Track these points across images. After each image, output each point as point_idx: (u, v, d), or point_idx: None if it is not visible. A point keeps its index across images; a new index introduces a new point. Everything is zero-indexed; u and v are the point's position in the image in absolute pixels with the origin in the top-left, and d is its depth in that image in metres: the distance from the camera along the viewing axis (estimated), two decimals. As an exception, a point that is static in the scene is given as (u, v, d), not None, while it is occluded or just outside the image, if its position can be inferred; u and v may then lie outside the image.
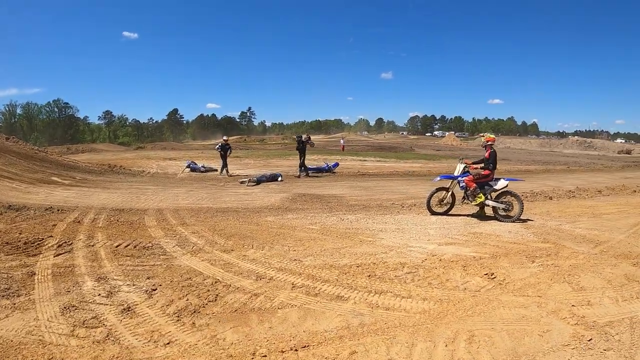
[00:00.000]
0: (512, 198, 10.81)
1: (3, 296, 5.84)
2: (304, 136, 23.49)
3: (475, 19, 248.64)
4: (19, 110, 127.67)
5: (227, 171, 22.82)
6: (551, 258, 7.40)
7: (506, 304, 5.40)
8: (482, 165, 11.19)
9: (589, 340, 4.51)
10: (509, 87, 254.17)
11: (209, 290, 6.02)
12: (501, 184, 10.89)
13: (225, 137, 24.70)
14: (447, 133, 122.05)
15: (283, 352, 4.31)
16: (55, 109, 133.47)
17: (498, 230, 9.50)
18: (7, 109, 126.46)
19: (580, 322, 4.87)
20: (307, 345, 4.40)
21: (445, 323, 4.84)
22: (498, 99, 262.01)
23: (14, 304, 5.60)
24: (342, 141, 61.44)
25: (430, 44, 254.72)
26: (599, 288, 5.98)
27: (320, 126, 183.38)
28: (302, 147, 22.48)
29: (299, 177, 21.39)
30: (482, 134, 11.89)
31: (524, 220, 10.57)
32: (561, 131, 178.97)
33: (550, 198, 14.71)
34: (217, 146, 23.71)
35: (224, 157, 22.98)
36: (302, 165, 22.46)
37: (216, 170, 25.04)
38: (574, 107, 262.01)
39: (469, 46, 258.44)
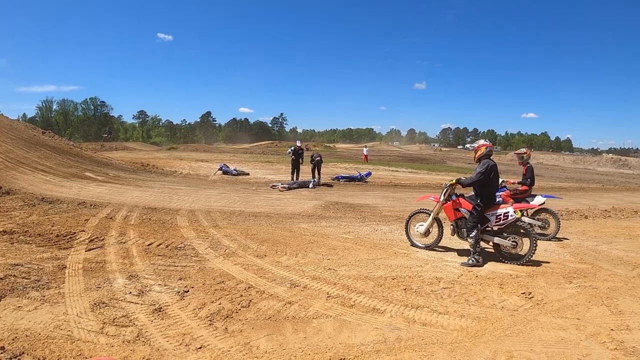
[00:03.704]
0: (549, 215, 10.66)
1: (33, 288, 5.96)
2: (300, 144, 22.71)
3: (511, 31, 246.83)
4: (55, 107, 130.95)
5: (295, 179, 21.52)
6: (588, 279, 7.23)
7: (544, 325, 5.29)
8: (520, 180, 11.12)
9: (629, 367, 4.39)
10: (543, 101, 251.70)
11: (242, 295, 6.02)
12: (538, 200, 10.70)
13: (299, 142, 23.19)
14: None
15: (319, 364, 4.28)
16: (91, 107, 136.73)
17: (535, 248, 9.39)
18: (43, 104, 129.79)
19: (619, 347, 4.73)
20: (343, 358, 4.35)
21: (483, 342, 4.76)
22: (532, 113, 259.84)
23: (44, 296, 5.71)
24: (365, 150, 54.28)
25: (465, 55, 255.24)
26: (637, 312, 5.80)
27: (351, 135, 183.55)
28: (318, 161, 21.68)
29: (314, 187, 20.51)
30: (522, 150, 11.69)
31: (560, 239, 10.42)
32: (595, 148, 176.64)
33: (586, 217, 14.45)
34: (289, 151, 22.36)
35: (295, 163, 21.78)
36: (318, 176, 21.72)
37: (248, 174, 25.13)
38: (608, 124, 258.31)
39: (505, 58, 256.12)
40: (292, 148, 22.11)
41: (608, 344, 4.80)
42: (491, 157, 8.54)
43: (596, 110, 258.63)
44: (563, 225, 10.88)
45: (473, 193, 8.46)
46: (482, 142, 8.66)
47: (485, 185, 8.23)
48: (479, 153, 8.51)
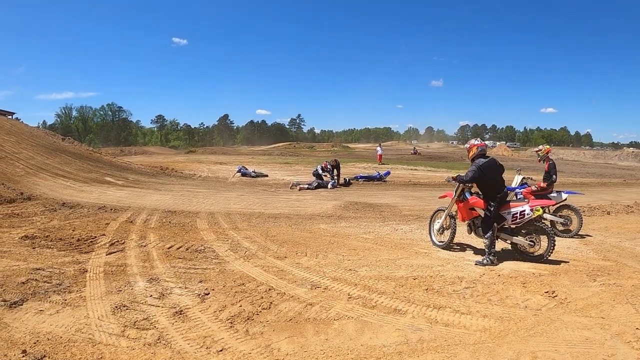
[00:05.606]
0: (571, 212, 10.46)
1: (54, 291, 6.02)
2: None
3: (528, 25, 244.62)
4: (74, 113, 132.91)
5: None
6: (613, 277, 7.11)
7: (569, 324, 5.21)
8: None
9: (655, 367, 4.31)
10: (562, 95, 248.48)
11: (262, 297, 6.01)
12: (560, 196, 10.55)
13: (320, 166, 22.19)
14: (498, 143, 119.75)
15: (341, 366, 4.25)
16: (109, 112, 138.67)
17: (556, 245, 9.24)
18: (63, 111, 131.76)
19: (645, 347, 4.67)
20: (365, 360, 4.33)
21: (506, 343, 4.70)
22: (551, 107, 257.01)
23: (65, 300, 5.76)
24: (379, 149, 46.65)
25: (482, 50, 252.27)
26: (664, 310, 5.72)
27: (369, 134, 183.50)
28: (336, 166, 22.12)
29: (333, 187, 20.61)
30: (538, 148, 11.51)
31: (583, 236, 10.27)
32: (616, 142, 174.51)
33: (608, 213, 14.22)
34: (314, 174, 21.79)
35: (329, 172, 21.61)
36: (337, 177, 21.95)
37: (267, 175, 25.23)
38: (629, 117, 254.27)
39: (522, 53, 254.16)
40: (315, 170, 21.93)
41: (634, 343, 4.71)
42: (486, 156, 8.28)
43: (616, 103, 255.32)
44: (585, 222, 10.72)
45: None
46: (473, 141, 8.47)
47: (485, 185, 8.05)
48: (471, 153, 8.33)
